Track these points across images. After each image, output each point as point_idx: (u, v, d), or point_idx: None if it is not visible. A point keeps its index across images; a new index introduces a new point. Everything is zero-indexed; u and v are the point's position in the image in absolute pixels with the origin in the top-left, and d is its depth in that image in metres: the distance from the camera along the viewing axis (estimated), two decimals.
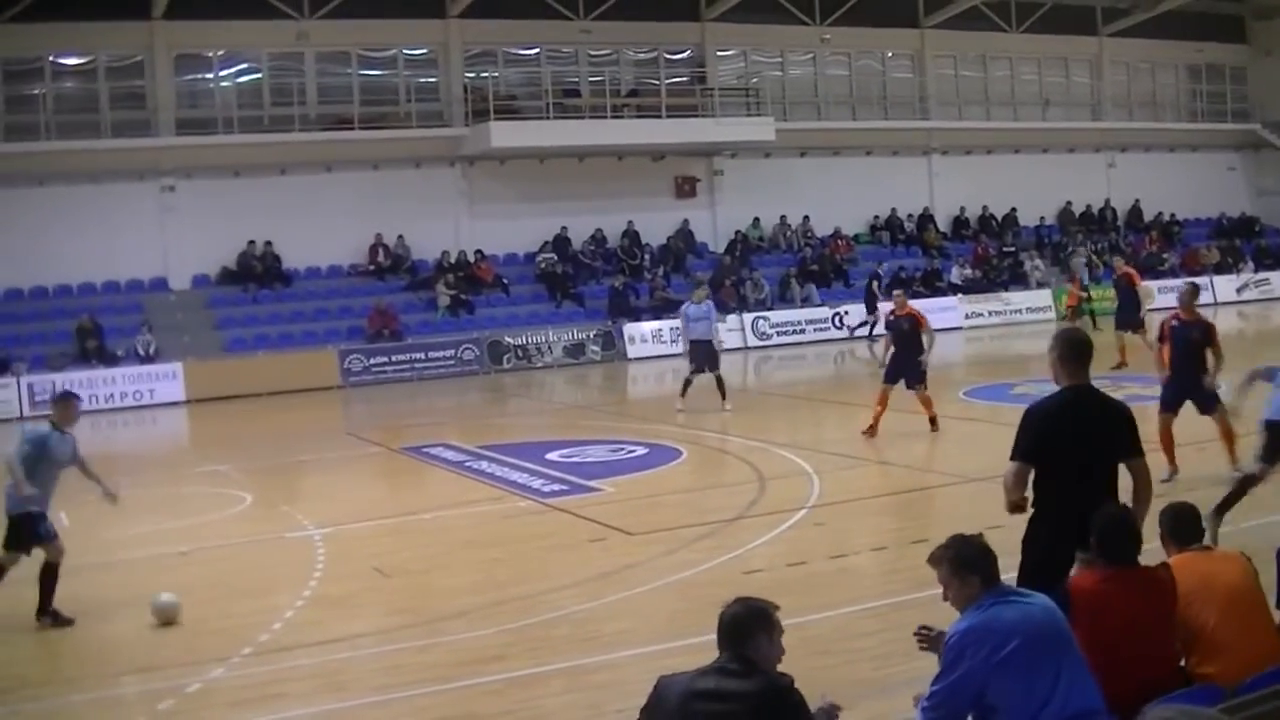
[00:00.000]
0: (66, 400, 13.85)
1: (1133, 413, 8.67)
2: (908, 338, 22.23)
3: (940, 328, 42.33)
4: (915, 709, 6.69)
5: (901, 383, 22.03)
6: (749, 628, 6.19)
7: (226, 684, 10.91)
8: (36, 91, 39.29)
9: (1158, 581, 7.33)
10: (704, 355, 26.73)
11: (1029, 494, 8.37)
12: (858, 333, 42.11)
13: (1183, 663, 7.35)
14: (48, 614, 12.81)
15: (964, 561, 6.74)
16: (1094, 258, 47.67)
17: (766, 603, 6.33)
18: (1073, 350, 8.48)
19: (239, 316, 38.89)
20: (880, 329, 36.72)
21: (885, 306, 29.02)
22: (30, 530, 12.96)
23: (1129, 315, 29.79)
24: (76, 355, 35.92)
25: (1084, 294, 39.25)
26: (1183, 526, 7.84)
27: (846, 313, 43.17)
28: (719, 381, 26.51)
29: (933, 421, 21.96)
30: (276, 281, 40.20)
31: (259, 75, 41.67)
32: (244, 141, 40.12)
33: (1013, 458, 8.39)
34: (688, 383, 26.95)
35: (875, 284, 41.52)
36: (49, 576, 12.93)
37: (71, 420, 13.68)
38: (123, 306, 38.27)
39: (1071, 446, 8.25)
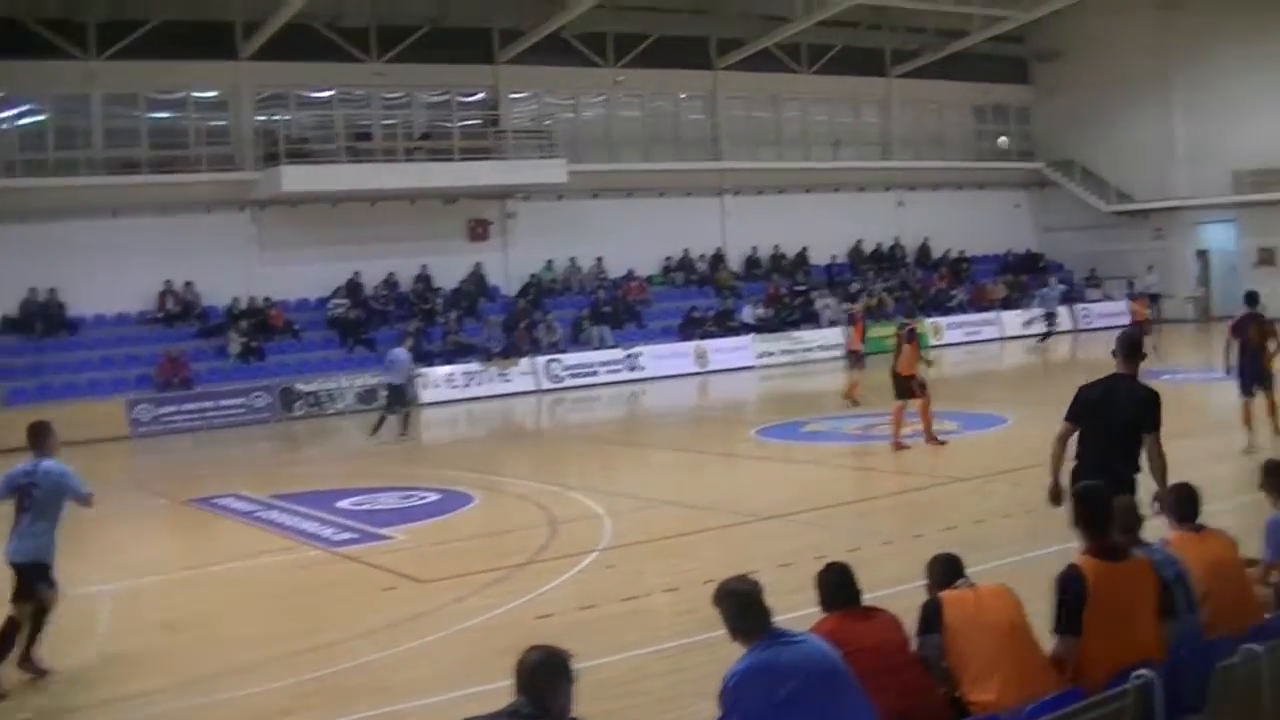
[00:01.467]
0: (49, 427, 13.09)
1: (1160, 398, 10.88)
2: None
3: (733, 367, 43.14)
4: None
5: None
6: (546, 675, 6.26)
7: None
8: None
9: (881, 620, 7.65)
10: (396, 396, 31.65)
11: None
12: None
13: (956, 693, 7.61)
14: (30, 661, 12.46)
15: (740, 603, 6.84)
16: (885, 295, 48.45)
17: (563, 651, 6.38)
18: (1122, 347, 11.20)
19: (21, 366, 37.71)
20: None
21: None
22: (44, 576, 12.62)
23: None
24: None
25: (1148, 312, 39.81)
26: (950, 573, 8.11)
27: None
28: (383, 420, 31.21)
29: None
30: (61, 329, 39.17)
31: (43, 117, 40.77)
32: (28, 185, 39.10)
33: (1064, 419, 11.08)
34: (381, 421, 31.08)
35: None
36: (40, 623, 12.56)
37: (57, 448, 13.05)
38: None
39: (1102, 415, 10.85)
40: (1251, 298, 22.36)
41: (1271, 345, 21.37)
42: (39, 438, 12.91)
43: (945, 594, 7.85)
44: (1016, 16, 51.56)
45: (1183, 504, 9.13)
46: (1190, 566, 8.44)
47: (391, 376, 32.01)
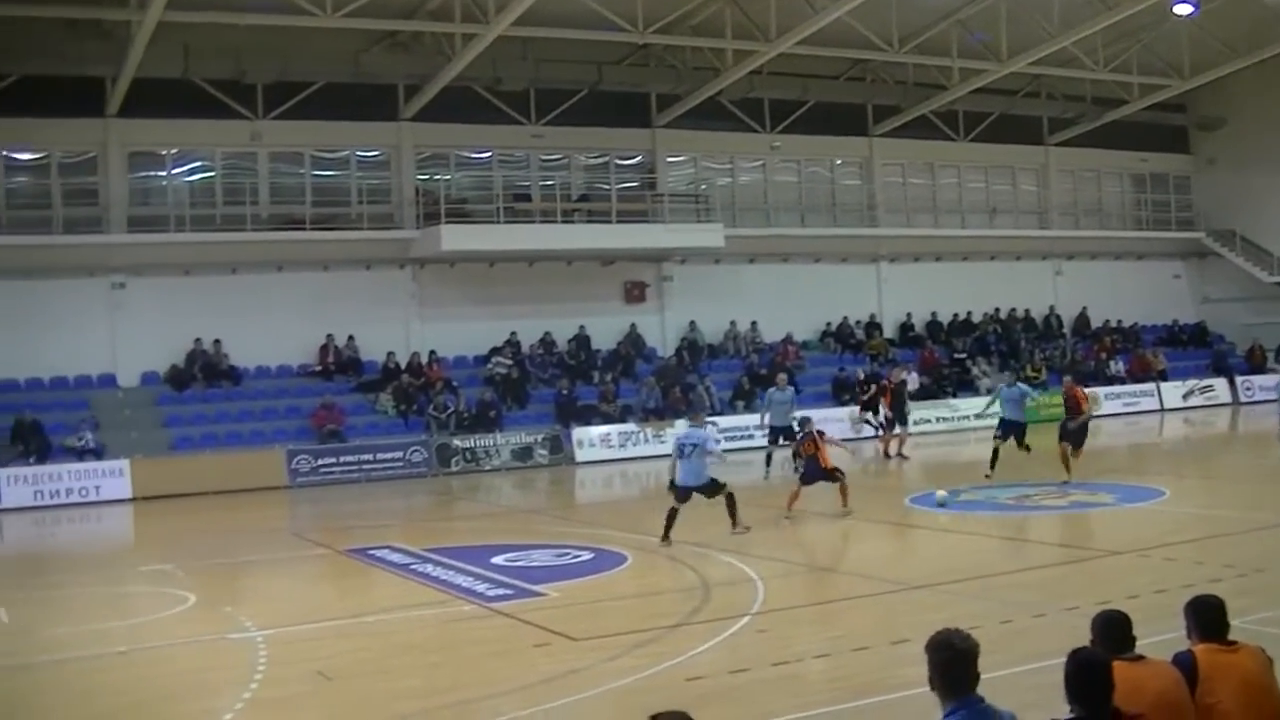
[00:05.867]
0: None
1: None
2: None
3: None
4: None
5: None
6: None
7: None
8: None
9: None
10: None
11: None
12: None
13: None
14: None
15: (949, 658, 6.72)
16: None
17: (685, 714, 6.21)
18: None
19: (186, 415, 38.63)
20: None
21: None
22: None
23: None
24: (15, 452, 35.53)
25: None
26: (1113, 634, 7.88)
27: None
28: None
29: None
30: (225, 380, 40.03)
31: (212, 174, 41.81)
32: (195, 240, 40.09)
33: None
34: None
35: None
36: None
37: None
38: (71, 403, 37.96)
39: None
40: None
41: None
42: None
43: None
44: (1176, 85, 51.06)
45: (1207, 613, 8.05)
46: (1217, 685, 7.60)
47: (774, 417, 34.52)
